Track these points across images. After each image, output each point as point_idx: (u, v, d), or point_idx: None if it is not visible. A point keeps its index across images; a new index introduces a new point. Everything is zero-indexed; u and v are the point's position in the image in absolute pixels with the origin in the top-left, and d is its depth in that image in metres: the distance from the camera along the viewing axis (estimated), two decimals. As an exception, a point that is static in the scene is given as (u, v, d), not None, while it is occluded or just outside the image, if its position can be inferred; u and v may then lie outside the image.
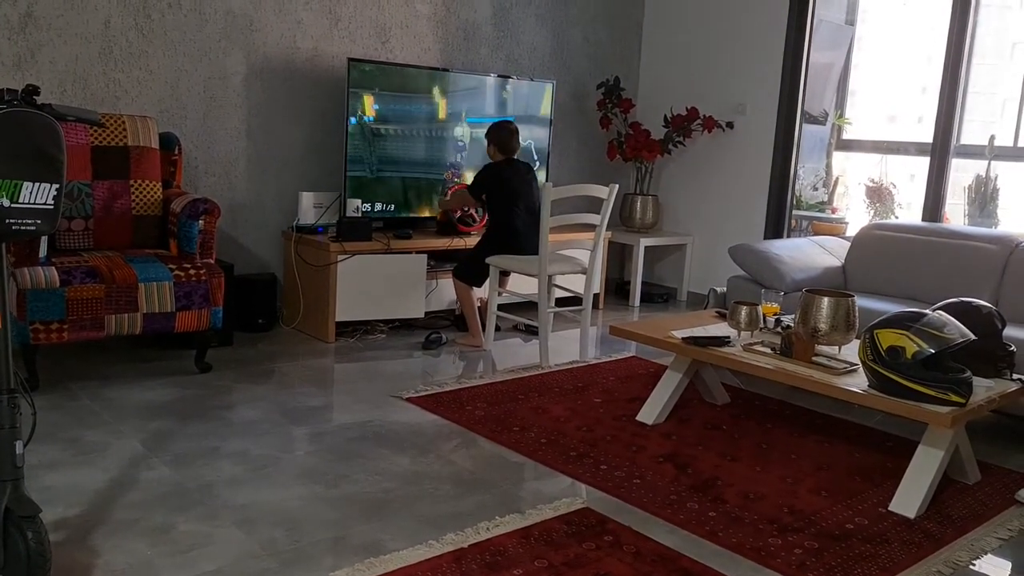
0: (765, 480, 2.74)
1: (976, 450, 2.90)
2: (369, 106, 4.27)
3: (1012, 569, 2.30)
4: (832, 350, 2.93)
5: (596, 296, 5.12)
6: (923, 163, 4.66)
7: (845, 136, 6.31)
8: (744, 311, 3.12)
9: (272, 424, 2.99)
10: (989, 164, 4.86)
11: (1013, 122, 4.87)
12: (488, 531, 2.28)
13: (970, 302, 2.92)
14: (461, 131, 4.64)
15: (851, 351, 2.90)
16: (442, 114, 4.56)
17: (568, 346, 4.30)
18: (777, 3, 5.04)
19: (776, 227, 5.17)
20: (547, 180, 4.87)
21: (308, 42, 4.32)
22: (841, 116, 6.14)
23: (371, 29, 4.52)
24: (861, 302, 2.93)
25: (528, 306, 4.55)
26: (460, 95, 4.61)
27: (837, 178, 6.19)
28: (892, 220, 5.20)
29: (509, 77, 4.81)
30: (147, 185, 3.60)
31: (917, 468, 2.58)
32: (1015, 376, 2.80)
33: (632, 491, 2.59)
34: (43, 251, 3.16)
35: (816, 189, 6.15)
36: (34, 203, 1.80)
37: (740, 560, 2.22)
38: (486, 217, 4.45)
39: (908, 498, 2.55)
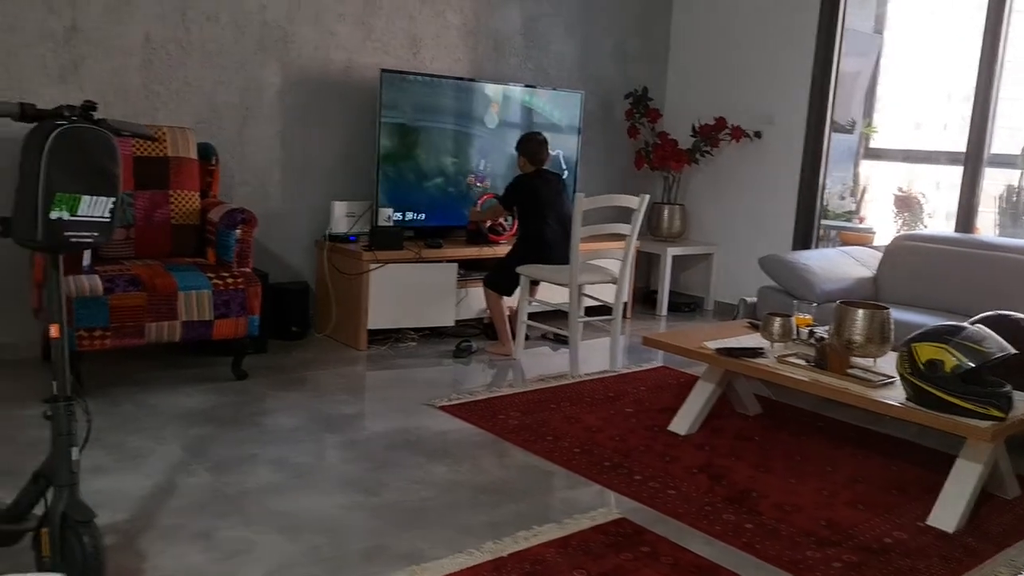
0: (800, 492, 2.74)
1: (1015, 464, 2.88)
2: (400, 116, 4.32)
3: (1054, 585, 2.29)
4: (867, 362, 2.92)
5: (624, 305, 5.12)
6: (949, 172, 4.63)
7: (872, 144, 6.29)
8: (777, 322, 3.12)
9: (309, 431, 3.03)
10: (1022, 174, 4.82)
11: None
12: (527, 540, 2.30)
13: (1008, 315, 2.91)
14: (488, 140, 4.68)
15: (886, 363, 2.89)
16: (472, 124, 4.60)
17: (596, 355, 4.31)
18: (806, 13, 5.04)
19: (804, 237, 5.15)
20: (576, 190, 4.89)
21: (341, 53, 4.38)
22: (869, 125, 6.12)
23: (403, 40, 4.57)
24: (895, 314, 2.92)
25: (556, 315, 4.58)
26: (489, 105, 4.65)
27: (864, 187, 6.17)
28: (924, 231, 5.17)
29: (537, 87, 4.85)
30: (186, 195, 3.66)
31: (955, 482, 2.57)
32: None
33: (667, 502, 2.60)
34: (87, 259, 3.23)
35: (843, 198, 6.13)
36: (92, 216, 1.84)
37: (778, 573, 2.22)
38: (516, 226, 4.48)
39: (947, 512, 2.54)
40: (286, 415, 3.18)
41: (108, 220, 1.88)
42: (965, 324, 2.59)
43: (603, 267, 4.17)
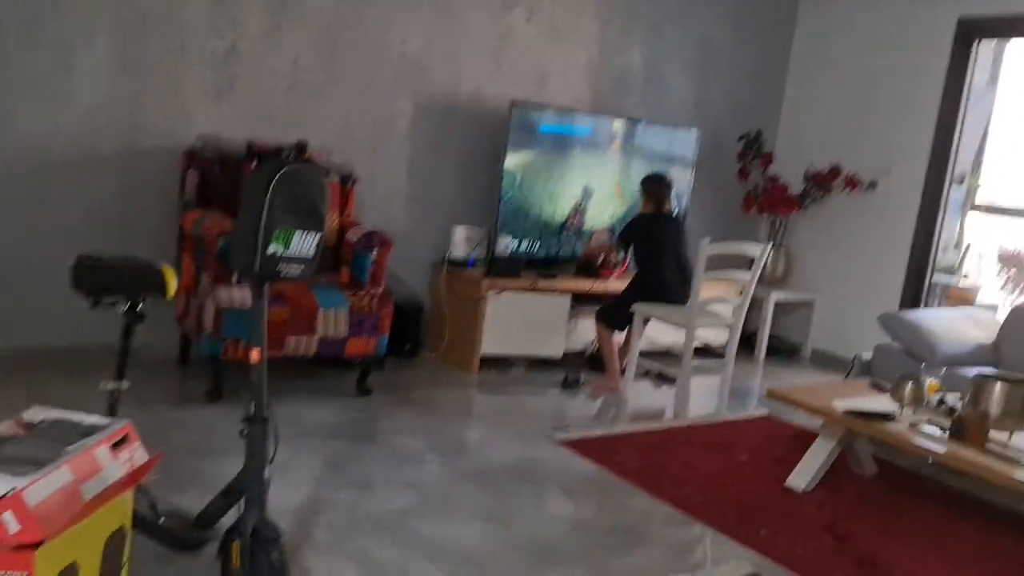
0: (930, 564, 2.71)
1: None
2: (525, 146, 4.43)
3: None
4: (1002, 435, 2.88)
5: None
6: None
7: (978, 199, 6.16)
8: (909, 387, 3.10)
9: (436, 454, 3.13)
10: None
11: None
12: (666, 589, 2.34)
13: None
14: (607, 174, 4.75)
15: (1021, 438, 2.85)
16: (590, 156, 4.68)
17: (697, 396, 4.32)
18: (932, 66, 4.99)
19: (915, 293, 5.07)
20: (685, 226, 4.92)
21: (470, 85, 4.51)
22: (977, 178, 6.00)
23: (530, 74, 4.69)
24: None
25: (658, 353, 4.60)
26: (611, 140, 4.73)
27: (968, 244, 6.04)
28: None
29: (655, 123, 4.91)
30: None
31: (1099, 570, 2.52)
32: None
33: (795, 561, 2.61)
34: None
35: (945, 250, 6.01)
36: (301, 251, 1.97)
37: (921, 648, 2.22)
38: (626, 262, 4.54)
39: (1089, 600, 2.49)
40: (411, 436, 3.28)
41: (313, 254, 2.00)
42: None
43: (718, 312, 4.19)
